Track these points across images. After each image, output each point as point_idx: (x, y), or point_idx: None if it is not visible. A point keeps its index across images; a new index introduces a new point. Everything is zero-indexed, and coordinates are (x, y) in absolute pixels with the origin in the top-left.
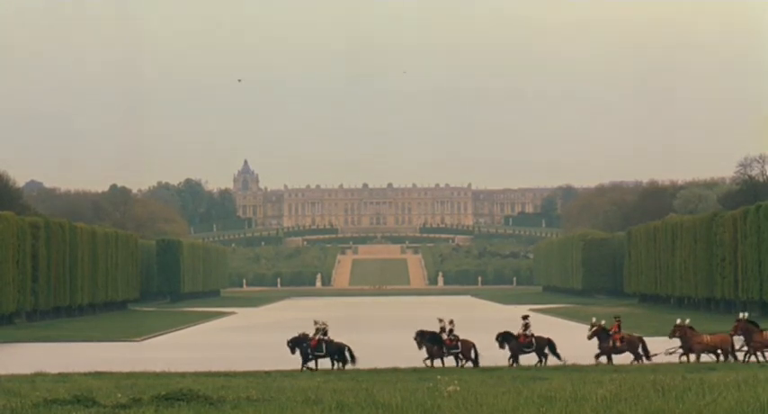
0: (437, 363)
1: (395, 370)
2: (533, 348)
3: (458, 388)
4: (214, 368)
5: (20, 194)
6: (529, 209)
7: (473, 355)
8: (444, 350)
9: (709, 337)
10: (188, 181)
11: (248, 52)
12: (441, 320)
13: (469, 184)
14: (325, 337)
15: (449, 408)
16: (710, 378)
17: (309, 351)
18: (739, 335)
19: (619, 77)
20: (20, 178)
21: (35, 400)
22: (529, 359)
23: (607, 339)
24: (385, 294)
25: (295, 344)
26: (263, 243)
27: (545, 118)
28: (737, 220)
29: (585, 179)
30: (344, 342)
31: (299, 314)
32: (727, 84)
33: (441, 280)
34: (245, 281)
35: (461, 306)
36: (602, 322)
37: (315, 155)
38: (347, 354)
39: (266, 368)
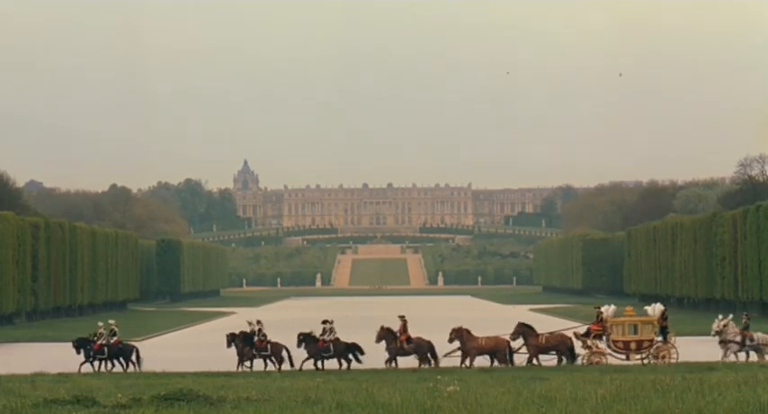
0: (269, 365)
1: (395, 370)
2: (331, 353)
3: (458, 388)
4: (214, 368)
5: (20, 194)
6: (529, 209)
7: (285, 357)
8: (255, 352)
9: (484, 341)
10: (188, 181)
11: (248, 52)
12: (250, 323)
13: (469, 184)
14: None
15: (449, 408)
16: (710, 378)
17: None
18: (516, 338)
19: (618, 78)
20: (20, 178)
21: (35, 400)
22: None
23: (393, 341)
24: (385, 294)
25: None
26: (263, 243)
27: (545, 118)
28: (737, 220)
29: (585, 179)
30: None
31: (300, 314)
32: (727, 84)
33: (441, 280)
34: (244, 281)
35: (461, 306)
36: (386, 325)
37: (315, 155)
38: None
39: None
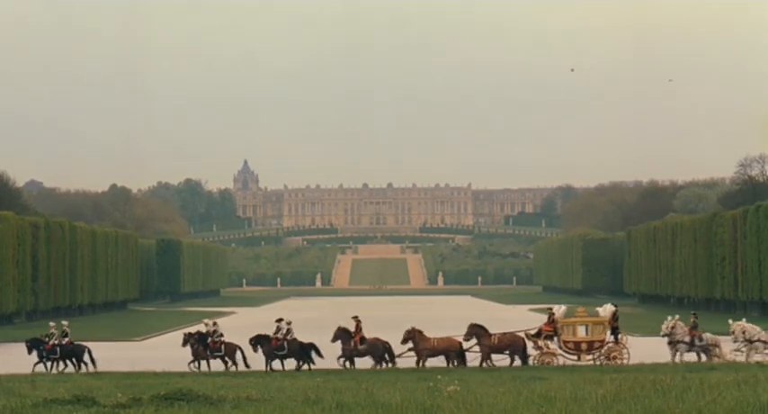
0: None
1: (395, 370)
2: (286, 352)
3: (458, 388)
4: (214, 368)
5: (20, 194)
6: (529, 209)
7: (239, 358)
8: (209, 352)
9: (436, 341)
10: (188, 181)
11: (248, 52)
12: (206, 324)
13: (469, 184)
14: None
15: (449, 408)
16: (710, 378)
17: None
18: (469, 339)
19: (619, 78)
20: (20, 178)
21: (35, 400)
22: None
23: (348, 341)
24: (385, 294)
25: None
26: (263, 243)
27: (545, 118)
28: (737, 220)
29: (585, 179)
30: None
31: (299, 314)
32: (727, 84)
33: (441, 280)
34: (245, 281)
35: (461, 306)
36: (342, 326)
37: (315, 155)
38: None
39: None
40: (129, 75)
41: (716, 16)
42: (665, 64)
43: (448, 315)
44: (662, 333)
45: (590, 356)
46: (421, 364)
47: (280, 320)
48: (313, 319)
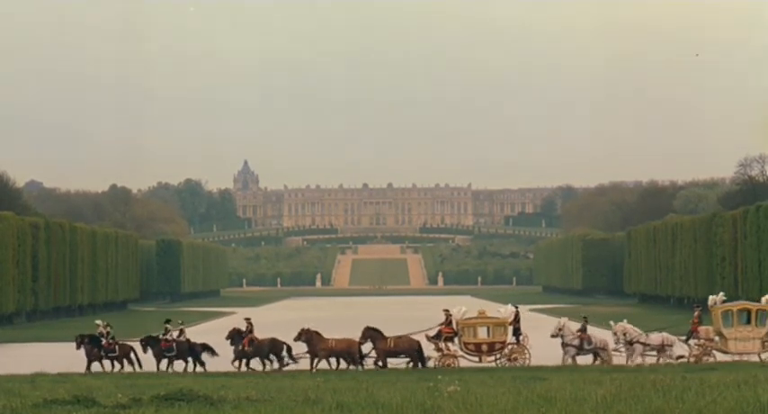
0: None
1: (395, 370)
2: (175, 353)
3: (458, 388)
4: (214, 368)
5: (20, 194)
6: (529, 209)
7: (133, 359)
8: (103, 353)
9: (334, 342)
10: (188, 181)
11: (248, 52)
12: (98, 325)
13: (469, 184)
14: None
15: (449, 408)
16: (710, 378)
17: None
18: (364, 342)
19: (618, 78)
20: (20, 178)
21: (35, 400)
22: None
23: (239, 342)
24: (385, 294)
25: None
26: (263, 243)
27: (545, 118)
28: (737, 220)
29: (585, 179)
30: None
31: (299, 314)
32: (727, 84)
33: (441, 280)
34: (245, 281)
35: (461, 306)
36: (237, 327)
37: (315, 155)
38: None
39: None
40: (129, 75)
41: (716, 16)
42: (665, 64)
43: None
44: (551, 334)
45: (491, 358)
46: (315, 365)
47: (168, 321)
48: (313, 319)
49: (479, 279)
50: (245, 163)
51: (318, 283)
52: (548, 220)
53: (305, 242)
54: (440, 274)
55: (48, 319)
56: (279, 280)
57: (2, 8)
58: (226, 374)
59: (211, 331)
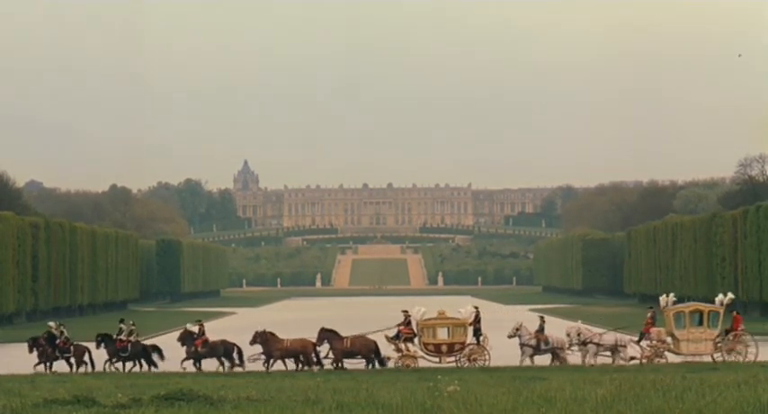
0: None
1: (395, 370)
2: (129, 354)
3: (458, 388)
4: (213, 368)
5: (20, 194)
6: (529, 209)
7: (87, 360)
8: (58, 353)
9: (289, 343)
10: (188, 181)
11: (248, 52)
12: (50, 327)
13: (469, 184)
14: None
15: (449, 408)
16: (710, 378)
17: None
18: (321, 344)
19: (618, 78)
20: (20, 178)
21: (35, 400)
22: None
23: (191, 343)
24: (385, 294)
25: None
26: (263, 243)
27: (545, 118)
28: (737, 220)
29: (585, 179)
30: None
31: (299, 314)
32: (727, 84)
33: (441, 280)
34: (245, 281)
35: (461, 306)
36: (191, 327)
37: (315, 155)
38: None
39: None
40: (129, 75)
41: (716, 16)
42: (665, 64)
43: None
44: (508, 335)
45: (451, 358)
46: (269, 366)
47: (122, 321)
48: (313, 319)
49: (479, 279)
50: (245, 163)
51: (318, 284)
52: (548, 220)
53: (305, 242)
54: (440, 274)
55: (48, 319)
56: (279, 280)
57: (2, 8)
58: (226, 374)
59: (211, 331)
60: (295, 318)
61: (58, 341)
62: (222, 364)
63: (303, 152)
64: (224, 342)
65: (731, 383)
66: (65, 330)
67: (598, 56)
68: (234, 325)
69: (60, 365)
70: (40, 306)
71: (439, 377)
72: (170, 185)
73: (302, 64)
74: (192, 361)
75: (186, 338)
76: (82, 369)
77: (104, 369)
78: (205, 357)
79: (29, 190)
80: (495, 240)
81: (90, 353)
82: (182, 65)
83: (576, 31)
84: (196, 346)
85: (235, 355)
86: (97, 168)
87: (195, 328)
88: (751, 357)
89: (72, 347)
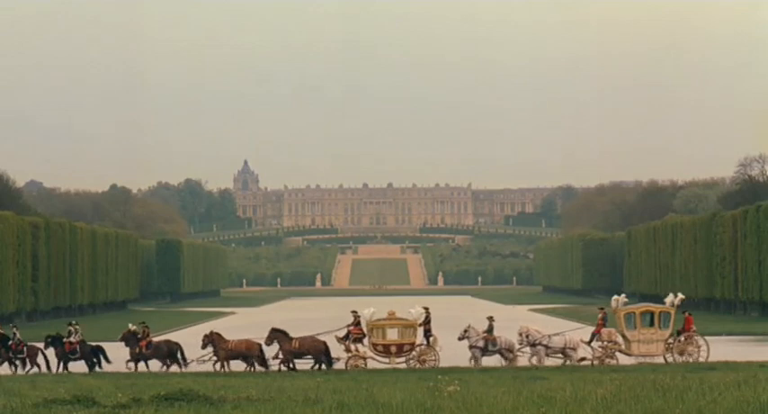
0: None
1: (395, 370)
2: (78, 355)
3: (458, 388)
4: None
5: (20, 194)
6: (529, 209)
7: (41, 361)
8: (11, 354)
9: (234, 344)
10: (188, 181)
11: (248, 52)
12: (12, 326)
13: (469, 184)
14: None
15: (449, 408)
16: (710, 378)
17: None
18: (270, 344)
19: (618, 78)
20: (20, 178)
21: (35, 400)
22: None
23: (135, 344)
24: (385, 294)
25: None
26: (263, 243)
27: (546, 118)
28: (737, 220)
29: (585, 179)
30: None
31: (299, 314)
32: (727, 84)
33: (441, 280)
34: (244, 281)
35: (461, 306)
36: (133, 327)
37: (315, 155)
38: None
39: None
40: (130, 75)
41: (716, 16)
42: (665, 63)
43: (448, 315)
44: (458, 337)
45: (400, 359)
46: (220, 367)
47: (71, 323)
48: (313, 319)
49: (479, 279)
50: (245, 163)
51: (318, 284)
52: (548, 220)
53: (305, 242)
54: (440, 273)
55: (48, 319)
56: (279, 280)
57: (1, 8)
58: (226, 374)
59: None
60: (295, 318)
61: (10, 342)
62: (166, 364)
63: (303, 152)
64: (168, 342)
65: (731, 383)
66: (17, 332)
67: (598, 56)
68: (234, 325)
69: (4, 368)
70: (40, 306)
71: (439, 377)
72: (170, 185)
73: (302, 64)
74: (135, 362)
75: (129, 339)
76: (34, 370)
77: (57, 371)
78: (149, 358)
79: (29, 190)
80: (495, 240)
81: (45, 354)
82: (182, 65)
83: (576, 30)
84: (140, 347)
85: (178, 354)
86: (97, 168)
87: (138, 328)
88: (702, 358)
89: (25, 348)
